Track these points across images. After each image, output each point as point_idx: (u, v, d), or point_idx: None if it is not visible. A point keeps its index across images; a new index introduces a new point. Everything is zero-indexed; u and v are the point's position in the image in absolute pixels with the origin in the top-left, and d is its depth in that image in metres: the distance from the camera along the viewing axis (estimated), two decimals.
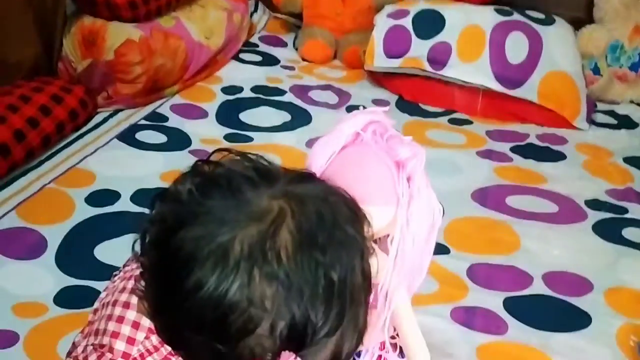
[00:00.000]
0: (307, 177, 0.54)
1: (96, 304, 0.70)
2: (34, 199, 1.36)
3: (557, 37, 1.83)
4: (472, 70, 1.80)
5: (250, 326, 0.48)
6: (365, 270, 0.52)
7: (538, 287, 1.23)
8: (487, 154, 1.67)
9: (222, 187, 0.51)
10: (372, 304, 0.70)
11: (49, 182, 1.41)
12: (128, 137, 1.60)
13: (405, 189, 0.71)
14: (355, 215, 0.53)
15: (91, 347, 0.65)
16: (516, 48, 1.80)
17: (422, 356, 0.75)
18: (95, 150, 1.54)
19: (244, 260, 0.48)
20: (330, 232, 0.50)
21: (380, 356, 0.78)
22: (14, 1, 1.54)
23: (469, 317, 1.15)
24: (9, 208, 1.32)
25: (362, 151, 0.73)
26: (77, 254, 1.22)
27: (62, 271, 1.17)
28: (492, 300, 1.19)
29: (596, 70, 1.93)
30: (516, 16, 1.85)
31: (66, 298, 1.12)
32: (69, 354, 0.73)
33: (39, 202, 1.35)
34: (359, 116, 0.74)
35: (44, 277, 1.16)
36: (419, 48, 1.83)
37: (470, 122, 1.81)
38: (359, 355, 0.78)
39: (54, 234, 1.26)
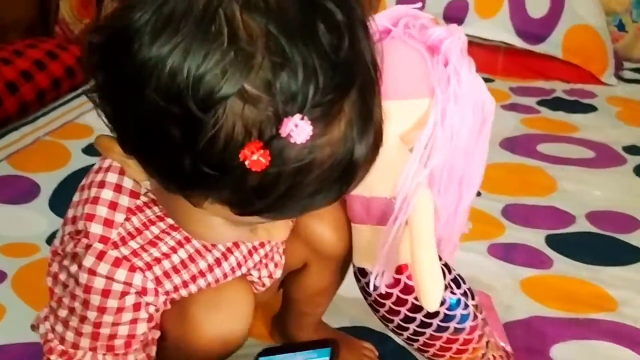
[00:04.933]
0: None
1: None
2: (28, 150, 1.27)
3: None
4: (491, 26, 1.71)
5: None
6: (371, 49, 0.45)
7: (582, 225, 1.11)
8: (513, 107, 1.57)
9: None
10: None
11: (44, 135, 1.32)
12: None
13: (441, 74, 0.60)
14: None
15: (68, 237, 0.56)
16: (537, 1, 1.70)
17: (431, 283, 0.58)
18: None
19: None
20: None
21: (399, 279, 0.64)
22: None
23: (508, 253, 1.02)
24: (0, 158, 1.23)
25: (388, 44, 0.62)
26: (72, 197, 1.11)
27: (55, 214, 1.06)
28: (533, 237, 1.07)
29: (621, 27, 1.83)
30: None
31: None
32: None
33: (32, 153, 1.26)
34: (389, 11, 0.63)
35: (37, 220, 1.06)
36: (435, 5, 1.73)
37: (492, 80, 1.70)
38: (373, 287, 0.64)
39: (48, 181, 1.16)
